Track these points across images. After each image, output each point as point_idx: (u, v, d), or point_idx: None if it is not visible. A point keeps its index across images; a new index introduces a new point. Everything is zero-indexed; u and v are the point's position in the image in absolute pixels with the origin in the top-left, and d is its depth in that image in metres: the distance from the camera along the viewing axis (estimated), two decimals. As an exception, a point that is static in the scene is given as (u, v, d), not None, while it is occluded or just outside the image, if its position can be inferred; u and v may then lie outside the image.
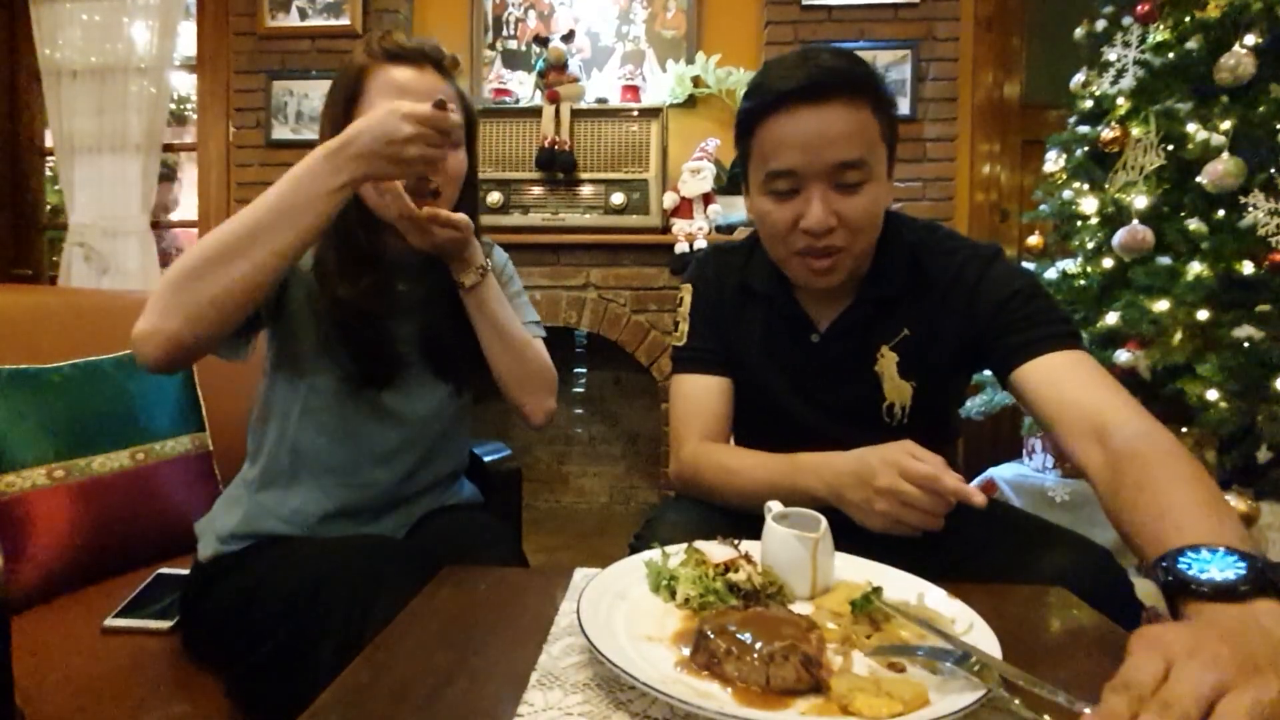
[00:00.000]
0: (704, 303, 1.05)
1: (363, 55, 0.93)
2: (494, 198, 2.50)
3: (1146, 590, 1.59)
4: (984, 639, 0.57)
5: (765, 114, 0.87)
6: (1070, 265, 1.95)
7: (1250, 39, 1.68)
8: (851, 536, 0.77)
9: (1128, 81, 1.87)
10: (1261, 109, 1.66)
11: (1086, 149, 1.97)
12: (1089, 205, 1.90)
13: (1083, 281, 1.90)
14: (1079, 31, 2.08)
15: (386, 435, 0.97)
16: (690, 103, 2.74)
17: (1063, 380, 0.83)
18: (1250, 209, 1.61)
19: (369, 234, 0.94)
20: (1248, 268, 1.61)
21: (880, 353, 0.96)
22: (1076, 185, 1.97)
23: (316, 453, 0.95)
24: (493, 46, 2.88)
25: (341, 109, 0.92)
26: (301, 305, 0.94)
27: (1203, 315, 1.62)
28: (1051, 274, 1.97)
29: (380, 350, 0.95)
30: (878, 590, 0.63)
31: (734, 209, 2.50)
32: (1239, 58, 1.65)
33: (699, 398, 1.02)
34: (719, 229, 2.45)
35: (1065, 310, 0.93)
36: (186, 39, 2.98)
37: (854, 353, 0.97)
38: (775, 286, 0.99)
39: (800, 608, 0.65)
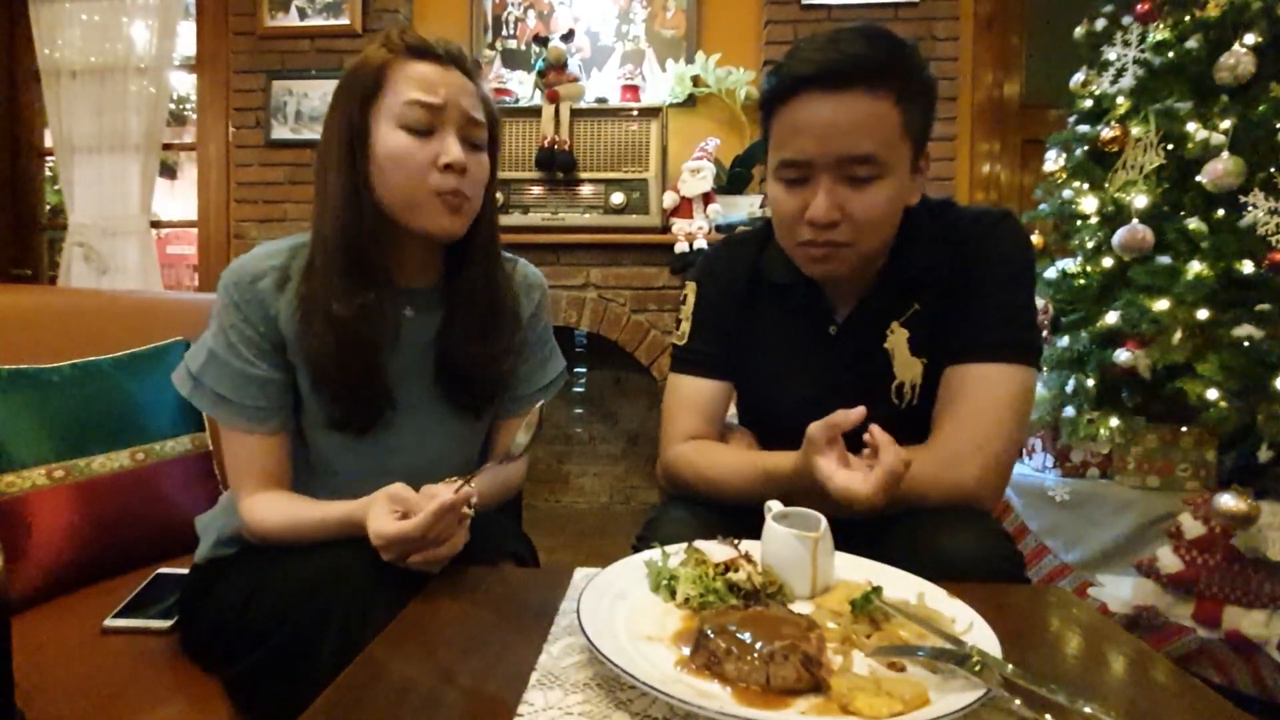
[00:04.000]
0: (709, 301, 1.03)
1: (381, 51, 0.86)
2: (494, 197, 2.50)
3: (1143, 591, 1.60)
4: (984, 639, 0.57)
5: (783, 98, 0.85)
6: (1070, 264, 1.94)
7: (1250, 38, 1.67)
8: (851, 537, 0.77)
9: (1127, 81, 1.86)
10: (1261, 108, 1.65)
11: (1086, 148, 1.96)
12: (1089, 204, 1.89)
13: (1082, 281, 1.89)
14: (1079, 31, 2.07)
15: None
16: (690, 102, 2.74)
17: (960, 399, 0.88)
18: (1250, 208, 1.61)
19: (380, 251, 0.88)
20: (1248, 267, 1.61)
21: (890, 329, 0.93)
22: (1076, 185, 1.96)
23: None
24: (492, 46, 2.88)
25: (358, 106, 0.85)
26: (296, 346, 0.88)
27: (1203, 314, 1.61)
28: (1051, 273, 1.97)
29: (369, 383, 0.88)
30: (878, 590, 0.63)
31: (734, 209, 2.50)
32: (1239, 57, 1.65)
33: (692, 399, 1.02)
34: (719, 229, 2.45)
35: (1029, 308, 0.92)
36: (186, 39, 2.98)
37: (866, 334, 0.94)
38: (794, 275, 0.95)
39: (800, 607, 0.65)
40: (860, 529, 0.82)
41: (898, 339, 0.93)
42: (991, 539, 0.81)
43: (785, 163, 0.86)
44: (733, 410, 1.10)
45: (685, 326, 1.04)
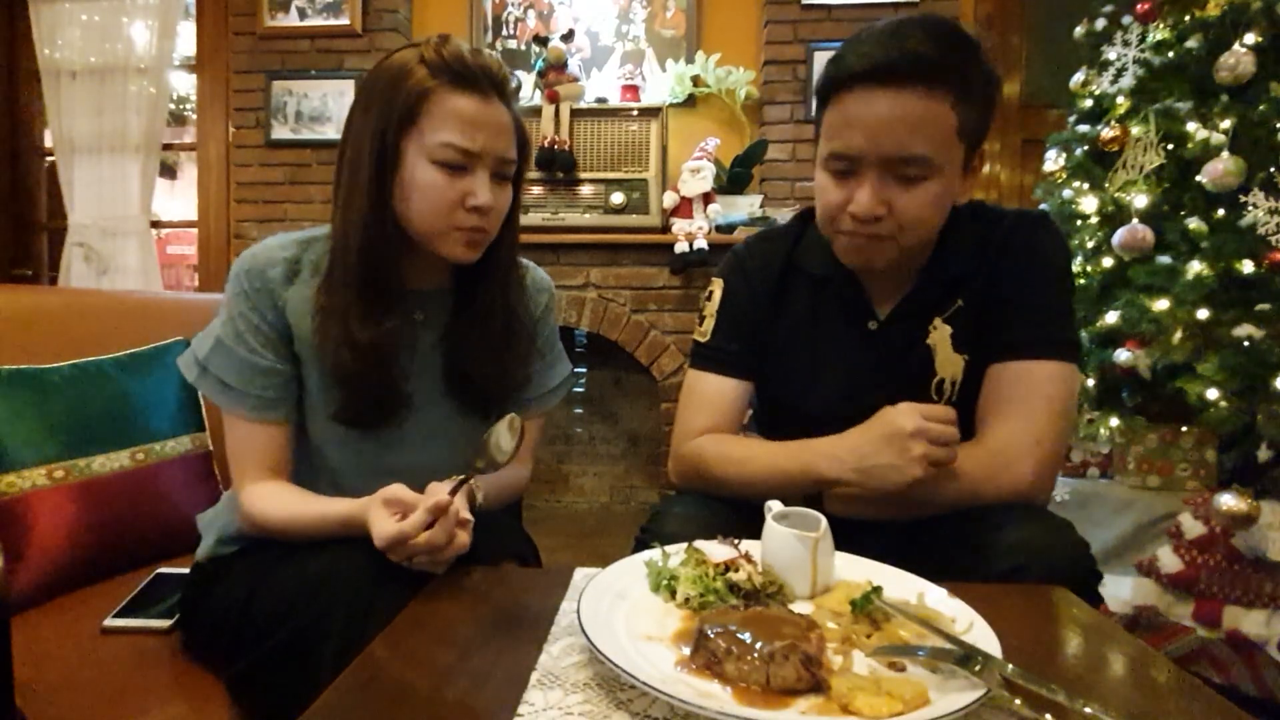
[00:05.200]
0: (735, 298, 1.02)
1: (424, 73, 0.83)
2: (494, 197, 2.50)
3: (1143, 591, 1.60)
4: (984, 638, 0.57)
5: (838, 90, 0.83)
6: (1070, 265, 1.95)
7: (1250, 38, 1.67)
8: (851, 537, 0.77)
9: (1127, 80, 1.86)
10: (1261, 108, 1.65)
11: (1086, 148, 1.96)
12: (1089, 204, 1.89)
13: (1083, 281, 1.90)
14: (1079, 30, 2.07)
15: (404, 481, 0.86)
16: (690, 102, 2.74)
17: (1010, 396, 0.88)
18: (1250, 208, 1.61)
19: (396, 263, 0.87)
20: (1248, 267, 1.61)
21: (933, 324, 0.93)
22: (1076, 184, 1.96)
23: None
24: (492, 46, 2.88)
25: (393, 129, 0.83)
26: (306, 342, 0.88)
27: (1203, 314, 1.61)
28: (1051, 273, 1.97)
29: (385, 390, 0.89)
30: (878, 590, 0.63)
31: (734, 209, 2.50)
32: (1239, 57, 1.65)
33: (710, 398, 1.00)
34: (719, 229, 2.45)
35: (1070, 307, 0.93)
36: (186, 39, 2.98)
37: (909, 330, 0.94)
38: (832, 268, 0.95)
39: (800, 607, 0.65)
40: (915, 527, 0.82)
41: (940, 335, 0.93)
42: (1059, 530, 0.81)
43: (834, 154, 0.84)
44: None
45: (708, 323, 1.03)
